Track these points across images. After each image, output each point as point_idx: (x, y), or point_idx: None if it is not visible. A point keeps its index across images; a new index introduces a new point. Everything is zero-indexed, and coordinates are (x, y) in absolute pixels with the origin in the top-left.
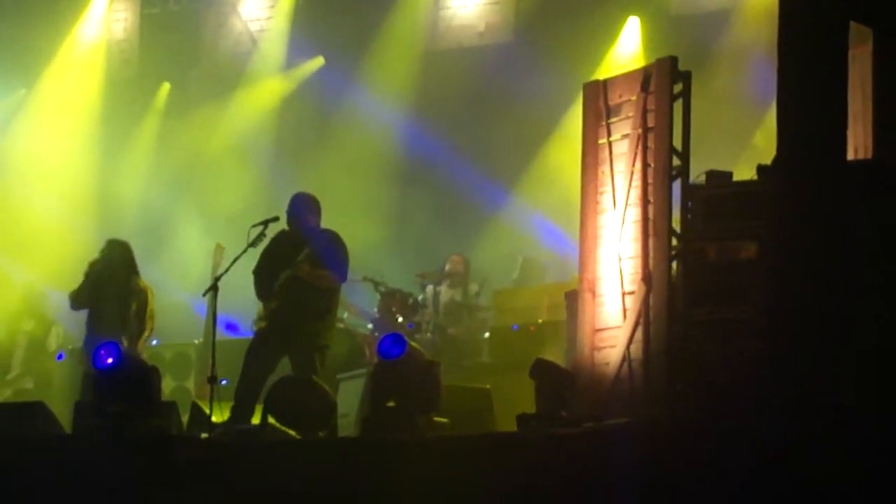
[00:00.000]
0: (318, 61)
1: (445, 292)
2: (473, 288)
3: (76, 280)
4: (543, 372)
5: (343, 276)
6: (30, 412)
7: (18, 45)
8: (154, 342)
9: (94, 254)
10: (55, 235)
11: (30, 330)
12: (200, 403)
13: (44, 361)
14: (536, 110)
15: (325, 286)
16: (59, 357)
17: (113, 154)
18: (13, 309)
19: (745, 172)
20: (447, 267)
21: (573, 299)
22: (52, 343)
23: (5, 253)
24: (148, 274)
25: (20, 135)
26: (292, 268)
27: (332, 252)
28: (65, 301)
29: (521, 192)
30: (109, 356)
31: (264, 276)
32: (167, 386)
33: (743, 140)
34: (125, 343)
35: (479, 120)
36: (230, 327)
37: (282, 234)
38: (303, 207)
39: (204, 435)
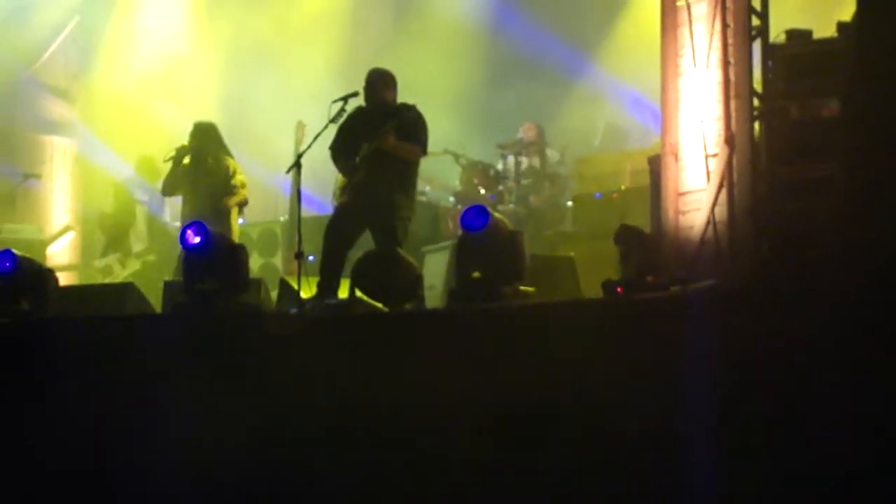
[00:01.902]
0: None
1: (526, 162)
2: (553, 155)
3: (165, 167)
4: (628, 238)
5: (424, 148)
6: (121, 292)
7: None
8: (241, 221)
9: (180, 138)
10: (138, 117)
11: (147, 200)
12: (288, 279)
13: (164, 234)
14: None
15: (407, 158)
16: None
17: (193, 31)
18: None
19: (825, 31)
20: (522, 135)
21: (656, 164)
22: (167, 215)
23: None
24: (231, 153)
25: (99, 15)
26: (375, 140)
27: (412, 125)
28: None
29: (601, 58)
30: (196, 235)
31: (342, 152)
32: (255, 263)
33: None
34: (217, 222)
35: None
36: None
37: (359, 109)
38: (380, 82)
39: (293, 310)
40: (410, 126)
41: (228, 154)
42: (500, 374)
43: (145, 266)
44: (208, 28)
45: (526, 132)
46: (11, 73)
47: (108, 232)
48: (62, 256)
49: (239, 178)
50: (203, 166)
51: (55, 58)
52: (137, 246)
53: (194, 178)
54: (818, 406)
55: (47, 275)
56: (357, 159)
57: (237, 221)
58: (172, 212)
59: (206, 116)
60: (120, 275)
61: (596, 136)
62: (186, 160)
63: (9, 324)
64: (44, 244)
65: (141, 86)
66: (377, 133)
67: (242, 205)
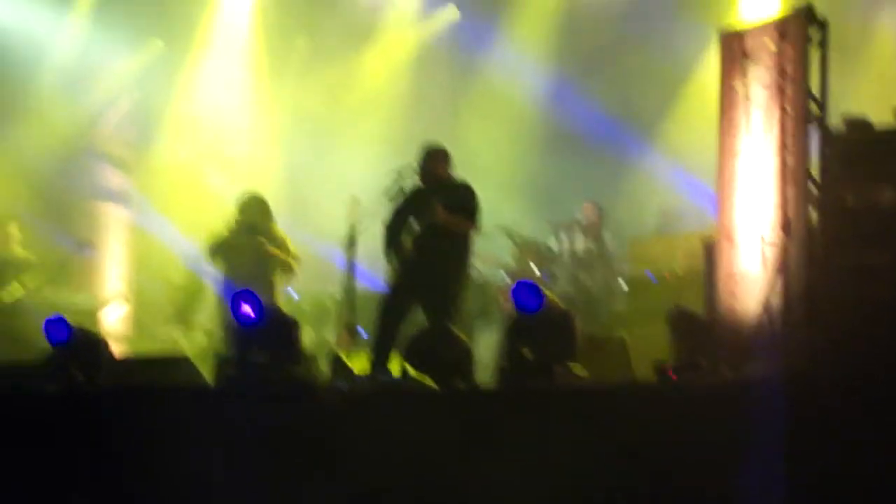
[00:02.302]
0: (452, 12)
1: (580, 241)
2: (609, 237)
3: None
4: (681, 320)
5: (475, 223)
6: (173, 364)
7: None
8: (295, 296)
9: (232, 207)
10: (194, 189)
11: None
12: (340, 354)
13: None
14: (672, 59)
15: (459, 233)
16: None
17: (250, 107)
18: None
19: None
20: (580, 216)
21: (711, 248)
22: None
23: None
24: (286, 227)
25: (157, 87)
26: (427, 214)
27: (465, 201)
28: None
29: (657, 140)
30: (249, 307)
31: (397, 228)
32: (307, 337)
33: (881, 85)
34: (263, 292)
35: (614, 69)
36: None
37: (416, 187)
38: (435, 159)
39: (344, 385)
40: (462, 200)
41: (276, 224)
42: (549, 453)
43: (210, 339)
44: (266, 101)
45: (585, 213)
46: (69, 142)
47: (175, 303)
48: (115, 326)
49: (288, 248)
50: (250, 237)
51: (113, 127)
52: (202, 319)
53: (241, 247)
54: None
55: (101, 344)
56: (410, 236)
57: (283, 292)
58: None
59: (261, 188)
60: (184, 347)
61: (651, 218)
62: (234, 228)
63: (62, 393)
64: (97, 312)
65: (196, 156)
66: (429, 209)
67: (290, 274)
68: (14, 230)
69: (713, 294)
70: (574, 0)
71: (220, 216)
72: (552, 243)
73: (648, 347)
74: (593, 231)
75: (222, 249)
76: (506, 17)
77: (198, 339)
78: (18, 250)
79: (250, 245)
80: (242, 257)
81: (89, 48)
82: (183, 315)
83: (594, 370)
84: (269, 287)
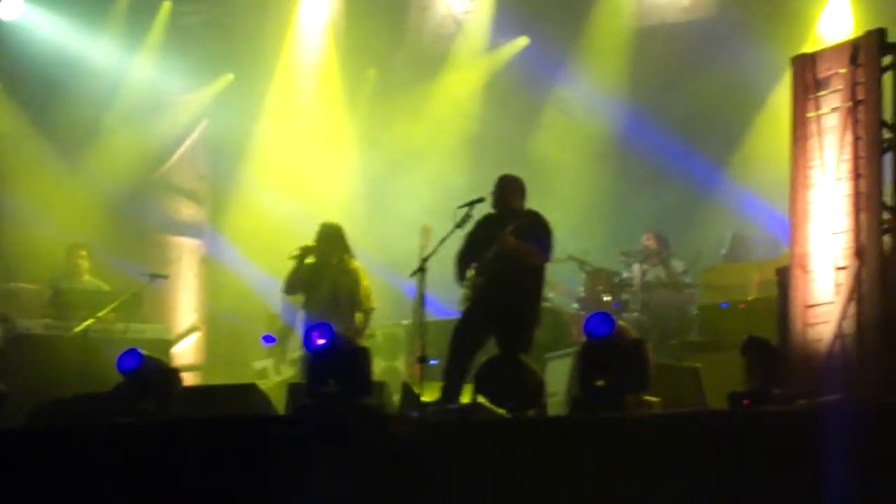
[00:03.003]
0: (522, 41)
1: (651, 270)
2: (679, 265)
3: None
4: (755, 349)
5: (548, 254)
6: (243, 393)
7: (226, 29)
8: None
9: (305, 238)
10: (267, 219)
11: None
12: (411, 383)
13: None
14: (743, 85)
15: (529, 261)
16: (264, 340)
17: (320, 138)
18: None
19: None
20: (642, 245)
21: (784, 275)
22: None
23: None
24: (356, 256)
25: (228, 119)
26: (497, 241)
27: (536, 231)
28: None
29: (728, 167)
30: (321, 337)
31: (468, 257)
32: (377, 366)
33: None
34: (338, 324)
35: (684, 96)
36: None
37: (487, 215)
38: (509, 189)
39: (415, 414)
40: (533, 229)
41: (352, 256)
42: (622, 483)
43: (290, 369)
44: (338, 131)
45: (646, 241)
46: (141, 174)
47: (277, 335)
48: (187, 356)
49: (365, 286)
50: (327, 268)
51: (184, 160)
52: (294, 352)
53: (317, 279)
54: None
55: (172, 375)
56: (480, 264)
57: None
58: None
59: (332, 217)
60: (274, 379)
61: (724, 246)
62: (310, 260)
63: (134, 423)
64: (169, 344)
65: (268, 186)
66: (500, 237)
67: (366, 312)
68: (84, 261)
69: (787, 322)
70: (646, 27)
71: (294, 246)
72: (623, 271)
73: (721, 376)
74: (659, 259)
75: (298, 280)
76: (576, 45)
77: (287, 372)
78: (88, 279)
79: (326, 276)
80: (318, 288)
81: (161, 80)
82: (277, 347)
83: (666, 399)
84: (343, 317)
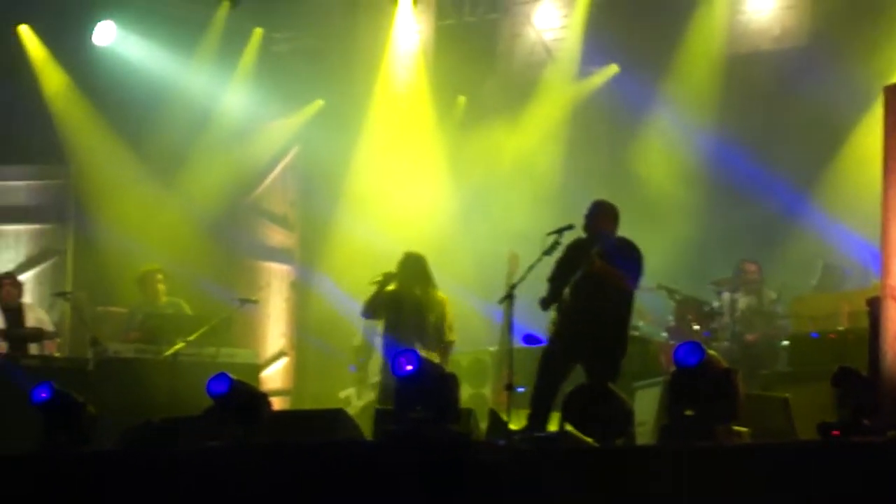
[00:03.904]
0: (612, 69)
1: (741, 299)
2: (770, 295)
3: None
4: (845, 380)
5: (636, 281)
6: (332, 419)
7: (317, 56)
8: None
9: (390, 266)
10: (356, 245)
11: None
12: (498, 410)
13: None
14: (834, 114)
15: (617, 286)
16: (352, 369)
17: (410, 165)
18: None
19: None
20: (742, 274)
21: (875, 306)
22: None
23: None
24: (443, 282)
25: (319, 145)
26: (584, 263)
27: (626, 257)
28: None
29: (819, 196)
30: (409, 363)
31: (558, 283)
32: (464, 393)
33: None
34: (423, 351)
35: (775, 124)
36: (528, 339)
37: (577, 241)
38: (601, 215)
39: (502, 442)
40: (622, 254)
41: (435, 287)
42: None
43: (377, 394)
44: (427, 158)
45: (746, 270)
46: (232, 200)
47: (358, 363)
48: (276, 381)
49: (449, 318)
50: (410, 297)
51: (275, 185)
52: (374, 377)
53: (400, 307)
54: None
55: (261, 399)
56: (569, 288)
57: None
58: None
59: (420, 243)
60: (356, 405)
61: (814, 276)
62: (392, 286)
63: (223, 448)
64: (258, 368)
65: (358, 212)
66: (588, 258)
67: (448, 346)
68: (161, 284)
69: (877, 353)
70: (737, 55)
71: (381, 273)
72: (713, 300)
73: (811, 407)
74: (754, 288)
75: (378, 305)
76: (666, 73)
77: (368, 396)
78: (166, 300)
79: (409, 305)
80: (401, 316)
81: (253, 106)
82: (360, 374)
83: (756, 429)
84: (427, 346)
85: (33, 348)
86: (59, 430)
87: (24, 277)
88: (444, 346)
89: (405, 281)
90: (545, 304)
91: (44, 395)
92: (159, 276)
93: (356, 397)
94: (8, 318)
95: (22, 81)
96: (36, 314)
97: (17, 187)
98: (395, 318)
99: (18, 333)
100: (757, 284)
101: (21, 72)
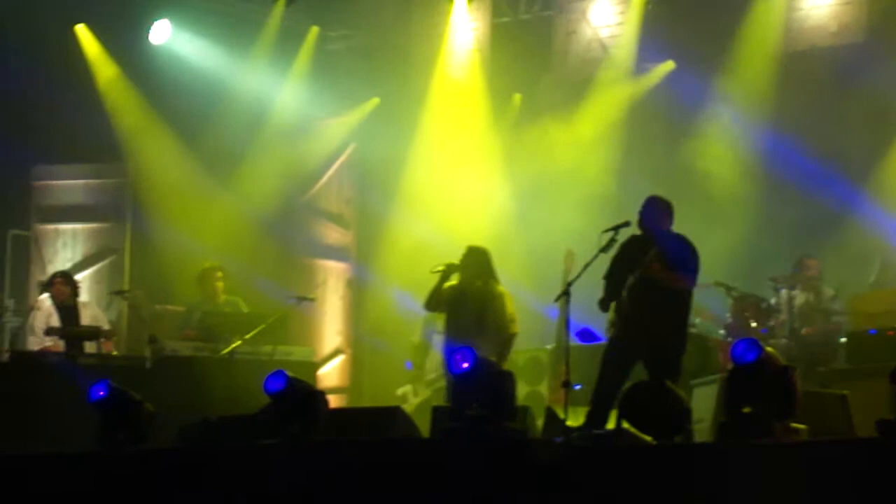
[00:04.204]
0: (668, 65)
1: (799, 296)
2: (828, 292)
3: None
4: None
5: (693, 279)
6: (388, 416)
7: (373, 54)
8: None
9: (453, 260)
10: (412, 243)
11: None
12: (555, 408)
13: None
14: (891, 108)
15: (674, 287)
16: (408, 366)
17: (465, 163)
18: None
19: None
20: (802, 270)
21: None
22: None
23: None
24: (501, 278)
25: (375, 143)
26: (641, 267)
27: (682, 255)
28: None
29: (876, 192)
30: (465, 361)
31: (615, 281)
32: (521, 391)
33: None
34: (482, 347)
35: (832, 120)
36: (584, 335)
37: (632, 238)
38: (656, 211)
39: (559, 439)
40: (678, 254)
41: (498, 281)
42: None
43: (435, 393)
44: (482, 156)
45: (808, 266)
46: (288, 198)
47: (415, 361)
48: (333, 379)
49: (510, 311)
50: (472, 290)
51: (331, 183)
52: (431, 374)
53: (461, 301)
54: None
55: (318, 397)
56: (626, 288)
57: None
58: None
59: (475, 240)
60: (412, 403)
61: (872, 272)
62: (452, 281)
63: (280, 445)
64: (315, 366)
65: (414, 210)
66: (645, 261)
67: (509, 337)
68: (219, 282)
69: None
70: (793, 50)
71: (443, 263)
72: (771, 298)
73: (869, 404)
74: (812, 285)
75: (440, 297)
76: (722, 69)
77: (424, 394)
78: (224, 298)
79: (470, 299)
80: (461, 310)
81: (308, 104)
82: (417, 372)
83: (814, 426)
84: (487, 341)
85: (90, 347)
86: (117, 428)
87: (81, 276)
88: (507, 339)
89: (468, 274)
90: (604, 304)
91: (101, 393)
92: (218, 274)
93: (412, 395)
94: (63, 317)
95: (79, 81)
96: (91, 312)
97: (75, 186)
98: (456, 311)
99: (75, 332)
100: (816, 281)
101: (78, 71)
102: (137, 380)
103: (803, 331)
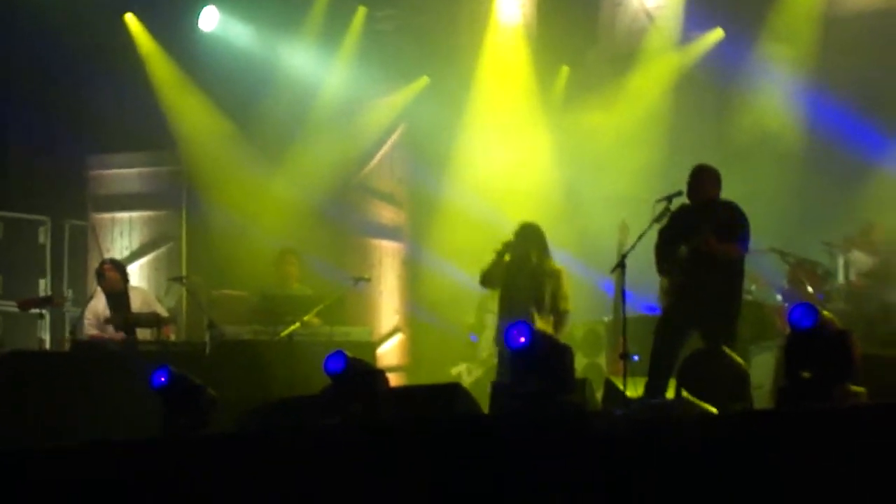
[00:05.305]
0: (717, 34)
1: (856, 260)
2: (885, 254)
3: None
4: None
5: (745, 247)
6: (448, 393)
7: (421, 32)
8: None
9: (503, 238)
10: (465, 220)
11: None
12: (613, 380)
13: None
14: None
15: (728, 258)
16: (473, 338)
17: (515, 138)
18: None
19: None
20: (860, 235)
21: None
22: None
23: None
24: (555, 253)
25: (425, 121)
26: (695, 240)
27: (734, 224)
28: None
29: None
30: (521, 335)
31: (666, 251)
32: (579, 363)
33: None
34: (538, 324)
35: (880, 84)
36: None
37: (683, 208)
38: (704, 180)
39: (619, 411)
40: (730, 225)
41: (551, 257)
42: (833, 476)
43: (487, 371)
44: (532, 131)
45: (864, 230)
46: (342, 179)
47: (457, 334)
48: (391, 358)
49: (565, 288)
50: (526, 265)
51: (382, 163)
52: (484, 351)
53: (516, 278)
54: None
55: (378, 376)
56: (680, 259)
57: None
58: None
59: (528, 215)
60: (466, 381)
61: None
62: (508, 257)
63: (341, 426)
64: (374, 346)
65: (465, 187)
66: (697, 233)
67: (564, 316)
68: (293, 266)
69: None
70: (839, 17)
71: (492, 246)
72: (827, 262)
73: None
74: (870, 248)
75: (496, 274)
76: (768, 36)
77: (477, 373)
78: (297, 286)
79: (525, 275)
80: (517, 286)
81: (358, 85)
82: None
83: (873, 390)
84: (543, 317)
85: (148, 333)
86: (179, 413)
87: (138, 264)
88: (560, 316)
89: (522, 249)
90: (660, 272)
91: (163, 379)
92: (292, 260)
93: (467, 373)
94: (113, 304)
95: (129, 70)
96: (142, 297)
97: (130, 175)
98: (510, 286)
99: (134, 319)
100: (873, 245)
101: (129, 60)
102: (197, 365)
103: (861, 296)
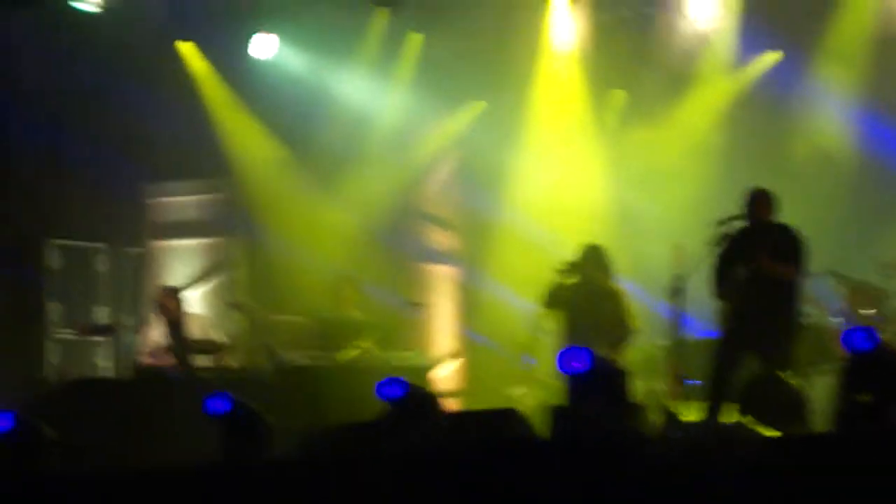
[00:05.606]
0: (773, 56)
1: None
2: None
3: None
4: None
5: (804, 270)
6: (505, 418)
7: (476, 58)
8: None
9: (554, 263)
10: (522, 244)
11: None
12: (672, 404)
13: None
14: None
15: (786, 280)
16: (528, 360)
17: (570, 162)
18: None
19: None
20: None
21: None
22: None
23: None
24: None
25: (480, 146)
26: (753, 263)
27: (792, 246)
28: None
29: None
30: (579, 361)
31: (724, 274)
32: (637, 388)
33: None
34: (600, 345)
35: None
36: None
37: (740, 230)
38: (760, 203)
39: (678, 435)
40: (788, 247)
41: (614, 279)
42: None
43: (548, 392)
44: (587, 154)
45: None
46: (396, 204)
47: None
48: (448, 382)
49: (628, 307)
50: (589, 288)
51: (438, 188)
52: (543, 374)
53: (579, 299)
54: None
55: (435, 401)
56: (737, 282)
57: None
58: None
59: (583, 240)
60: (528, 404)
61: None
62: (571, 279)
63: (400, 451)
64: (430, 370)
65: (520, 211)
66: (755, 255)
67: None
68: (350, 292)
69: None
70: (892, 30)
71: (549, 269)
72: (886, 285)
73: None
74: None
75: (560, 296)
76: (824, 54)
77: (539, 395)
78: (355, 312)
79: (588, 297)
80: (579, 308)
81: (414, 110)
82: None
83: None
84: (605, 339)
85: (206, 360)
86: (238, 440)
87: (196, 291)
88: (624, 336)
89: (586, 270)
90: (716, 295)
91: (221, 405)
92: (347, 284)
93: (525, 396)
94: (171, 331)
95: (184, 97)
96: (201, 324)
97: (187, 202)
98: (575, 308)
99: (192, 346)
100: None
101: (182, 87)
102: (256, 391)
103: None
